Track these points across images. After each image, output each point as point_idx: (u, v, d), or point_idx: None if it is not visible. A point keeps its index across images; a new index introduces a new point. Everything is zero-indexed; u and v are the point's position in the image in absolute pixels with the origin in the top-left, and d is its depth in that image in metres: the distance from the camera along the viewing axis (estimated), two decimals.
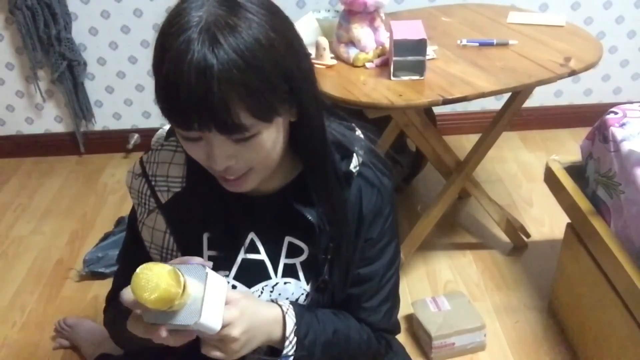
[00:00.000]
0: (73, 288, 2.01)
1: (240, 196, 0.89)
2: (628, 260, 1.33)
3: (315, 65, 1.71)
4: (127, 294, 0.79)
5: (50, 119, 2.71)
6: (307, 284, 0.97)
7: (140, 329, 0.79)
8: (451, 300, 1.74)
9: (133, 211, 1.02)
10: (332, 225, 0.93)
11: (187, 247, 0.96)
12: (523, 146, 2.66)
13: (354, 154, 0.95)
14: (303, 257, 0.97)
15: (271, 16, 0.76)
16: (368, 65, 1.74)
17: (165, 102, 0.76)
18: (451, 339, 1.66)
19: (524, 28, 1.94)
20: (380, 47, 1.75)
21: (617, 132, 1.41)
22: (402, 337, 1.55)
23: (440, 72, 1.67)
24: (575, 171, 1.61)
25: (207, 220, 0.95)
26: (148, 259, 0.98)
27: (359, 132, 1.01)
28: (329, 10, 1.99)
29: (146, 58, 2.46)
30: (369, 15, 1.72)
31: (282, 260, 0.97)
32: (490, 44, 1.82)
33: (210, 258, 0.96)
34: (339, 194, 0.93)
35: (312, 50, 1.76)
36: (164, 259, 0.97)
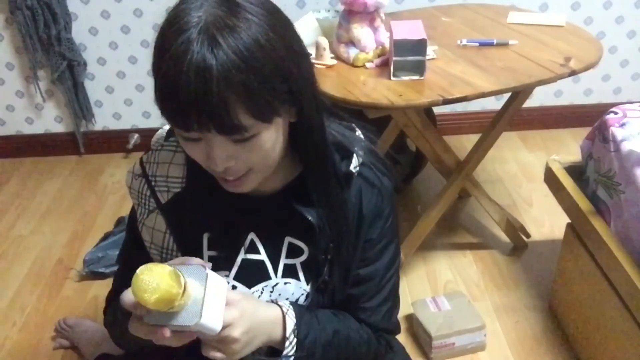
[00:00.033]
0: (73, 288, 2.01)
1: (240, 196, 0.89)
2: (628, 260, 1.33)
3: (315, 65, 1.72)
4: (127, 296, 0.79)
5: (50, 119, 2.71)
6: (307, 284, 0.97)
7: (142, 331, 0.79)
8: (451, 300, 1.74)
9: (133, 211, 1.02)
10: (332, 225, 0.93)
11: (187, 247, 0.96)
12: (523, 146, 2.66)
13: (354, 155, 0.95)
14: (303, 258, 0.97)
15: (270, 16, 0.76)
16: (368, 65, 1.74)
17: (164, 102, 0.76)
18: (451, 339, 1.66)
19: (524, 28, 1.94)
20: (380, 47, 1.76)
21: (617, 132, 1.41)
22: (402, 337, 1.55)
23: (440, 72, 1.67)
24: (575, 171, 1.61)
25: (207, 221, 0.95)
26: (148, 259, 0.98)
27: (359, 133, 1.01)
28: (329, 10, 1.99)
29: (146, 58, 2.47)
30: (369, 15, 1.72)
31: (282, 261, 0.97)
32: (490, 44, 1.82)
33: (210, 258, 0.96)
34: (339, 194, 0.93)
35: (312, 50, 1.76)
36: (164, 259, 0.97)
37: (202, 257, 0.96)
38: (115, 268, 1.93)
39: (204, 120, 0.74)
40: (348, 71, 1.73)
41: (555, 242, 1.91)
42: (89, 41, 2.51)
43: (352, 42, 1.74)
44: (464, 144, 2.58)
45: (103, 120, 2.71)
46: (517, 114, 1.96)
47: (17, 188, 2.57)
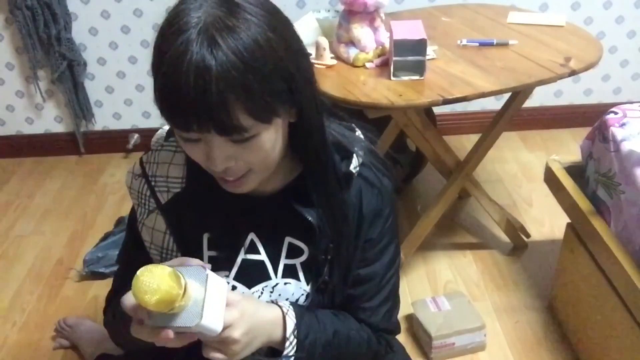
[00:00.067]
0: (73, 288, 2.01)
1: (240, 197, 0.89)
2: (628, 260, 1.33)
3: (315, 65, 1.72)
4: (127, 300, 0.79)
5: (50, 119, 2.71)
6: (307, 284, 0.97)
7: (145, 334, 0.79)
8: (451, 300, 1.74)
9: (133, 211, 1.02)
10: (332, 225, 0.93)
11: (187, 247, 0.96)
12: (523, 146, 2.66)
13: (354, 155, 0.95)
14: (303, 258, 0.97)
15: (270, 17, 0.76)
16: (368, 65, 1.74)
17: (164, 103, 0.76)
18: (451, 339, 1.66)
19: (524, 28, 1.94)
20: (380, 47, 1.75)
21: (617, 132, 1.41)
22: (402, 337, 1.55)
23: (440, 72, 1.67)
24: (575, 171, 1.61)
25: (207, 221, 0.95)
26: (148, 259, 0.98)
27: (359, 133, 1.01)
28: (329, 10, 1.99)
29: (146, 58, 2.47)
30: (369, 15, 1.72)
31: (282, 261, 0.97)
32: (490, 44, 1.82)
33: (210, 258, 0.96)
34: (338, 194, 0.93)
35: (312, 50, 1.76)
36: (164, 260, 0.97)
37: (202, 257, 0.96)
38: (115, 268, 1.93)
39: (203, 120, 0.74)
40: (348, 71, 1.73)
41: (555, 242, 1.91)
42: (89, 41, 2.51)
43: (352, 42, 1.74)
44: (464, 144, 2.58)
45: (103, 120, 2.71)
46: (517, 114, 1.96)
47: (17, 188, 2.57)
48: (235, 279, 0.96)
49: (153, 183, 0.96)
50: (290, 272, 0.97)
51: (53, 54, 2.44)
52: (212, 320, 0.78)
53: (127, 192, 1.01)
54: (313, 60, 1.75)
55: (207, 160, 0.80)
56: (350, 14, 1.71)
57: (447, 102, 1.56)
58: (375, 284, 1.01)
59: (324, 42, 1.75)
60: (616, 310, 1.41)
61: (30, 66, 2.52)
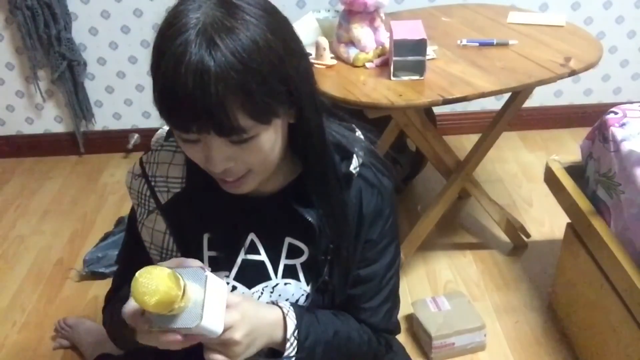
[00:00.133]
0: (73, 288, 2.01)
1: (240, 197, 0.89)
2: (628, 260, 1.33)
3: (315, 65, 1.72)
4: (127, 308, 0.79)
5: (50, 119, 2.71)
6: (307, 285, 0.97)
7: (151, 340, 0.79)
8: (451, 300, 1.74)
9: (132, 211, 1.01)
10: (332, 226, 0.93)
11: (187, 247, 0.96)
12: (523, 146, 2.66)
13: (354, 155, 0.95)
14: (303, 258, 0.97)
15: (269, 17, 0.76)
16: (368, 65, 1.74)
17: (163, 104, 0.76)
18: (451, 339, 1.66)
19: (524, 28, 1.94)
20: (380, 47, 1.75)
21: (617, 132, 1.41)
22: (402, 337, 1.55)
23: (440, 72, 1.67)
24: (575, 171, 1.61)
25: (207, 221, 0.95)
26: (148, 259, 0.98)
27: (359, 133, 1.01)
28: (329, 10, 2.00)
29: (146, 58, 2.46)
30: (369, 15, 1.72)
31: (283, 261, 0.97)
32: (490, 44, 1.82)
33: (210, 259, 0.96)
34: (338, 195, 0.93)
35: (312, 50, 1.76)
36: (164, 260, 0.96)
37: (202, 258, 0.96)
38: (115, 268, 1.93)
39: (202, 121, 0.74)
40: (348, 71, 1.73)
41: (555, 242, 1.91)
42: (89, 41, 2.51)
43: (352, 42, 1.74)
44: (464, 144, 2.58)
45: (103, 120, 2.71)
46: (517, 114, 1.96)
47: (17, 188, 2.57)
48: (235, 279, 0.96)
49: (153, 183, 0.96)
50: (290, 272, 0.97)
51: (53, 54, 2.44)
52: (213, 322, 0.78)
53: (127, 192, 1.01)
54: (313, 60, 1.75)
55: (207, 161, 0.80)
56: (350, 14, 1.71)
57: (447, 102, 1.56)
58: (375, 284, 1.01)
59: (324, 42, 1.75)
60: (616, 310, 1.41)
61: (30, 66, 2.52)
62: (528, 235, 2.10)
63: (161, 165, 0.96)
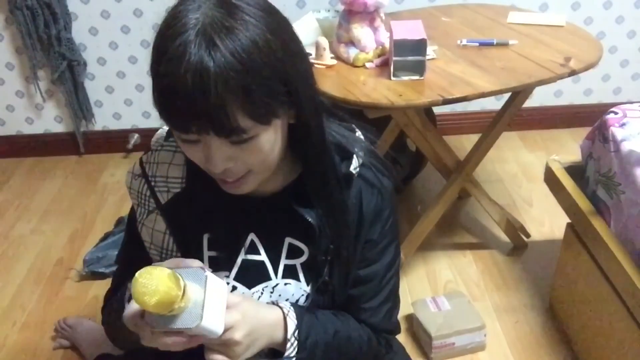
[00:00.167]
0: (73, 288, 2.01)
1: (240, 197, 0.89)
2: (628, 260, 1.33)
3: (315, 65, 1.72)
4: (128, 312, 0.79)
5: (50, 119, 2.71)
6: (308, 285, 0.97)
7: (155, 342, 0.79)
8: (451, 300, 1.74)
9: (132, 211, 1.01)
10: (332, 226, 0.93)
11: (187, 247, 0.96)
12: (523, 146, 2.66)
13: (354, 156, 0.95)
14: (303, 258, 0.97)
15: (269, 18, 0.76)
16: (368, 65, 1.74)
17: (162, 104, 0.76)
18: (451, 339, 1.66)
19: (524, 28, 1.94)
20: (380, 47, 1.75)
21: (617, 132, 1.41)
22: (402, 337, 1.55)
23: (440, 72, 1.67)
24: (575, 171, 1.61)
25: (207, 221, 0.95)
26: (147, 259, 0.98)
27: (359, 133, 1.01)
28: (329, 10, 2.00)
29: (146, 58, 2.46)
30: (369, 15, 1.72)
31: (283, 261, 0.97)
32: (490, 44, 1.82)
33: (210, 259, 0.96)
34: (339, 195, 0.93)
35: (312, 50, 1.76)
36: (164, 260, 0.96)
37: (202, 258, 0.96)
38: (115, 268, 1.93)
39: (202, 122, 0.74)
40: (348, 71, 1.73)
41: (555, 242, 1.91)
42: (89, 41, 2.51)
43: (352, 42, 1.74)
44: (464, 144, 2.58)
45: (103, 120, 2.71)
46: (517, 114, 1.96)
47: (17, 188, 2.57)
48: (235, 279, 0.96)
49: (153, 183, 0.96)
50: (290, 272, 0.97)
51: (53, 54, 2.44)
52: (213, 322, 0.78)
53: (127, 192, 1.01)
54: (313, 60, 1.75)
55: (206, 161, 0.80)
56: (350, 14, 1.71)
57: (447, 102, 1.56)
58: (375, 285, 1.01)
59: (324, 42, 1.75)
60: (616, 310, 1.41)
61: (30, 66, 2.52)
62: (528, 235, 2.10)
63: (161, 165, 0.96)
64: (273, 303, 0.94)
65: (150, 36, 0.76)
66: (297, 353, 0.92)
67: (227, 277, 0.96)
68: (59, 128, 2.73)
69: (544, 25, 1.96)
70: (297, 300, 0.97)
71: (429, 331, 1.65)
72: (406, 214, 2.19)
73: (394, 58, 1.63)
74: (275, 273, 0.97)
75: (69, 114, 2.65)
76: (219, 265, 0.94)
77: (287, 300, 0.96)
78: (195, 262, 0.82)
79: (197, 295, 0.77)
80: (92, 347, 1.68)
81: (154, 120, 2.67)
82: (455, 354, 1.69)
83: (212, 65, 0.70)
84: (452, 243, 2.12)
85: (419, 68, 1.63)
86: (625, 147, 1.37)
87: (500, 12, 2.08)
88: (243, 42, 0.72)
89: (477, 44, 1.83)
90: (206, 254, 0.96)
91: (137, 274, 0.72)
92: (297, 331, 0.91)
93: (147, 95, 2.73)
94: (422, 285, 1.94)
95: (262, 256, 0.97)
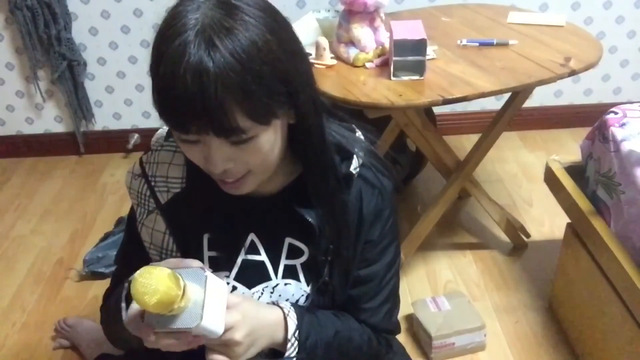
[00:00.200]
0: (73, 288, 2.01)
1: (240, 197, 0.89)
2: (628, 260, 1.33)
3: (315, 65, 1.72)
4: (128, 314, 0.79)
5: (50, 119, 2.71)
6: (308, 285, 0.97)
7: (162, 344, 0.79)
8: (451, 300, 1.74)
9: (132, 211, 1.01)
10: (332, 226, 0.93)
11: (187, 248, 0.96)
12: (523, 146, 2.66)
13: (354, 156, 0.95)
14: (303, 259, 0.97)
15: (268, 18, 0.76)
16: (368, 65, 1.74)
17: (162, 105, 0.76)
18: (451, 339, 1.66)
19: (524, 28, 1.94)
20: (380, 47, 1.75)
21: (617, 132, 1.41)
22: (402, 337, 1.55)
23: (440, 72, 1.67)
24: (575, 171, 1.61)
25: (207, 221, 0.95)
26: (146, 259, 0.98)
27: (359, 133, 1.01)
28: (329, 10, 2.00)
29: (146, 58, 2.46)
30: (369, 15, 1.72)
31: (283, 262, 0.97)
32: (490, 44, 1.82)
33: (210, 259, 0.96)
34: (339, 195, 0.93)
35: (312, 50, 1.76)
36: (163, 260, 0.96)
37: (202, 258, 0.96)
38: (114, 268, 1.93)
39: (201, 122, 0.74)
40: (348, 71, 1.73)
41: (555, 242, 1.91)
42: (89, 41, 2.51)
43: (352, 42, 1.74)
44: (464, 144, 2.58)
45: (103, 120, 2.71)
46: (517, 114, 1.96)
47: (17, 188, 2.57)
48: (235, 279, 0.96)
49: (153, 183, 0.96)
50: (290, 272, 0.97)
51: (53, 54, 2.44)
52: (213, 322, 0.78)
53: (127, 192, 1.01)
54: (313, 60, 1.75)
55: (206, 162, 0.80)
56: (350, 14, 1.71)
57: (447, 102, 1.56)
58: (375, 285, 1.01)
59: (324, 42, 1.75)
60: (616, 310, 1.41)
61: (30, 66, 2.52)
62: (528, 235, 2.10)
63: (161, 165, 0.96)
64: (273, 303, 0.94)
65: (150, 36, 0.76)
66: (297, 353, 0.92)
67: (227, 277, 0.96)
68: (59, 128, 2.73)
69: (544, 25, 1.96)
70: (297, 301, 0.97)
71: (429, 331, 1.65)
72: (406, 214, 2.19)
73: (394, 58, 1.63)
74: (276, 273, 0.97)
75: (69, 114, 2.65)
76: (219, 265, 0.94)
77: (287, 300, 0.96)
78: (195, 262, 0.82)
79: (197, 295, 0.77)
80: (92, 347, 1.68)
81: (154, 120, 2.67)
82: (455, 354, 1.69)
83: (211, 65, 0.70)
84: (452, 243, 2.12)
85: (419, 68, 1.63)
86: (625, 147, 1.37)
87: (500, 12, 2.08)
88: (242, 43, 0.72)
89: (477, 44, 1.83)
90: (206, 254, 0.96)
91: (137, 274, 0.72)
92: (297, 331, 0.91)
93: (147, 95, 2.73)
94: (422, 285, 1.94)
95: (262, 256, 0.97)
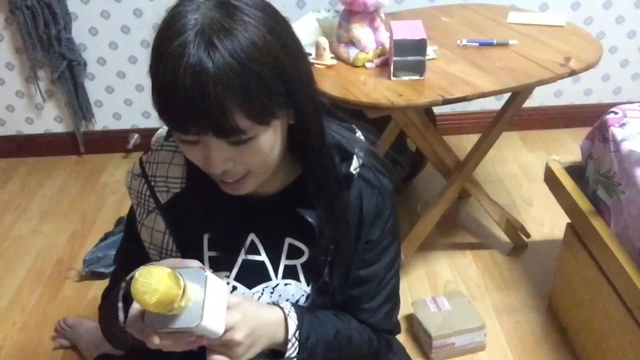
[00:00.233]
0: (73, 288, 2.01)
1: (240, 197, 0.89)
2: (628, 260, 1.33)
3: (315, 65, 1.73)
4: (129, 315, 0.79)
5: (50, 119, 2.71)
6: (308, 285, 0.97)
7: (164, 344, 0.78)
8: (451, 300, 1.74)
9: (131, 211, 1.01)
10: (333, 227, 0.93)
11: (187, 248, 0.96)
12: (523, 146, 2.66)
13: (354, 156, 0.94)
14: (303, 259, 0.96)
15: (268, 18, 0.76)
16: (368, 65, 1.74)
17: (161, 105, 0.76)
18: (451, 339, 1.66)
19: (524, 28, 1.94)
20: (380, 47, 1.75)
21: (617, 132, 1.41)
22: (402, 337, 1.55)
23: (440, 72, 1.67)
24: (575, 171, 1.61)
25: (207, 221, 0.95)
26: (146, 259, 0.98)
27: (359, 134, 1.01)
28: (329, 10, 1.99)
29: (146, 58, 2.46)
30: (369, 15, 1.72)
31: (283, 262, 0.97)
32: (490, 44, 1.82)
33: (210, 259, 0.96)
34: (339, 196, 0.93)
35: (312, 50, 1.76)
36: (163, 260, 0.96)
37: (202, 258, 0.96)
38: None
39: (201, 123, 0.74)
40: (348, 71, 1.73)
41: (555, 242, 1.91)
42: (89, 41, 2.51)
43: (352, 42, 1.74)
44: (464, 144, 2.58)
45: (103, 120, 2.71)
46: (517, 114, 1.96)
47: (17, 188, 2.57)
48: (235, 279, 0.96)
49: (153, 183, 0.96)
50: (290, 273, 0.97)
51: (53, 54, 2.44)
52: (213, 322, 0.78)
53: (127, 192, 1.01)
54: (313, 60, 1.75)
55: (206, 162, 0.80)
56: (350, 14, 1.71)
57: (447, 102, 1.56)
58: (375, 285, 1.01)
59: (324, 42, 1.75)
60: (616, 310, 1.41)
61: (30, 66, 2.52)
62: (528, 235, 2.10)
63: (161, 165, 0.96)
64: (274, 303, 0.94)
65: (150, 36, 0.76)
66: (297, 353, 0.92)
67: (228, 277, 0.96)
68: (59, 128, 2.73)
69: (544, 25, 1.96)
70: (297, 301, 0.97)
71: (429, 331, 1.65)
72: (406, 214, 2.19)
73: (394, 58, 1.63)
74: (276, 273, 0.97)
75: (69, 114, 2.65)
76: (219, 266, 0.94)
77: (287, 300, 0.96)
78: (195, 262, 0.82)
79: (197, 295, 0.77)
80: (92, 347, 1.68)
81: (154, 120, 2.66)
82: (455, 354, 1.69)
83: (211, 66, 0.70)
84: (452, 243, 2.12)
85: (419, 68, 1.63)
86: (625, 147, 1.37)
87: (500, 12, 2.08)
88: (242, 43, 0.72)
89: (477, 44, 1.83)
90: (206, 254, 0.96)
91: (136, 274, 0.72)
92: (297, 331, 0.91)
93: (147, 95, 2.73)
94: (422, 285, 1.94)
95: (263, 256, 0.97)
